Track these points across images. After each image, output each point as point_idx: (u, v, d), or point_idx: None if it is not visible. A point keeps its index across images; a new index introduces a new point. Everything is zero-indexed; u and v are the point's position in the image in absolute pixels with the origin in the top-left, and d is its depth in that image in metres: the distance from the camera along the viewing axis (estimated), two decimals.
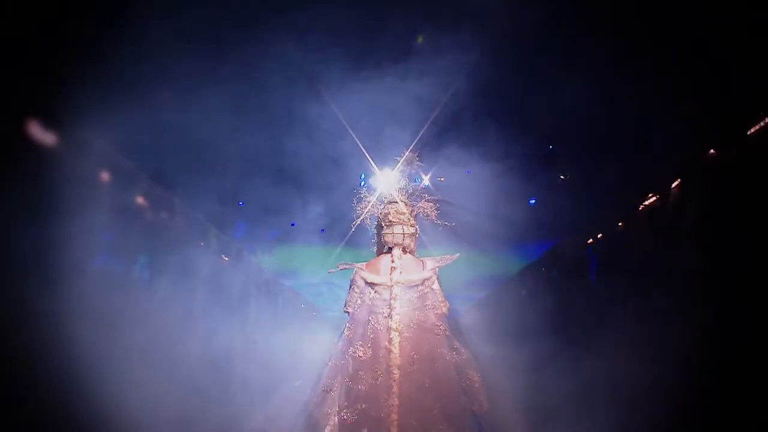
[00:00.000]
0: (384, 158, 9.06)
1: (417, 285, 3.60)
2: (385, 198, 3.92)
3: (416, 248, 3.91)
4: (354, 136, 8.28)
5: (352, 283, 3.79)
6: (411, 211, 3.81)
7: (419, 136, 8.47)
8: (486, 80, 7.51)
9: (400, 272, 3.59)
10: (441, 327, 3.53)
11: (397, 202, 3.82)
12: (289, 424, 3.87)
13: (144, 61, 4.76)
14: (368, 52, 7.96)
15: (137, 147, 4.66)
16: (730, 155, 3.54)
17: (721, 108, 3.89)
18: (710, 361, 3.60)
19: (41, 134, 3.16)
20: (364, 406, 3.21)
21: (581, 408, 4.97)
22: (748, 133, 3.33)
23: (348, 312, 3.70)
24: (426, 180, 10.26)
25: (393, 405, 3.14)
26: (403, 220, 3.73)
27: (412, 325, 3.47)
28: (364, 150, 8.60)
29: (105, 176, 3.67)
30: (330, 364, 3.53)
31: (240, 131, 8.45)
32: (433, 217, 3.88)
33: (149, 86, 4.89)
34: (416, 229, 3.82)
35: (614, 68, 5.56)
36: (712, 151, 3.67)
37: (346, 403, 3.27)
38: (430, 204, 3.91)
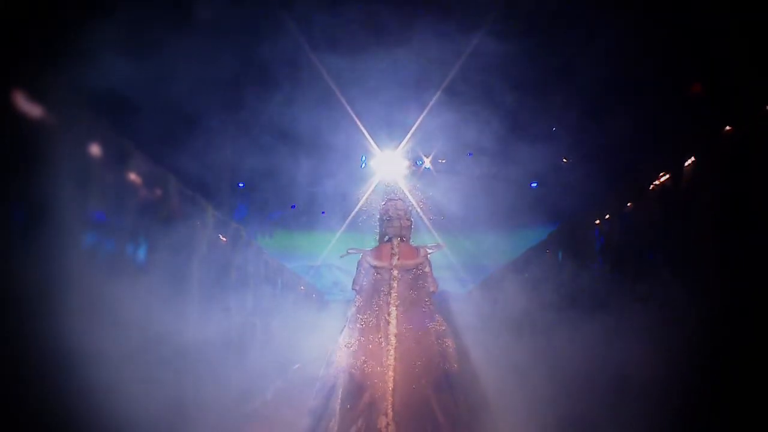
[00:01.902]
0: (384, 140, 9.01)
1: (412, 268, 4.42)
2: (387, 195, 4.70)
3: (412, 237, 4.66)
4: (355, 117, 8.18)
5: (359, 265, 4.56)
6: (407, 208, 4.61)
7: (420, 118, 8.39)
8: (489, 60, 7.38)
9: (398, 258, 4.38)
10: (429, 303, 4.41)
11: (396, 200, 4.62)
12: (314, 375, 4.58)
13: (139, 31, 4.61)
14: (370, 30, 7.85)
15: (132, 123, 4.54)
16: (748, 131, 3.39)
17: (738, 81, 3.74)
18: (721, 348, 3.47)
19: (27, 106, 3.01)
20: (372, 362, 4.13)
21: (580, 393, 4.91)
22: None
23: (355, 289, 4.51)
24: (427, 162, 10.26)
25: (391, 364, 4.05)
26: (401, 215, 4.53)
27: (406, 301, 4.31)
28: (365, 131, 8.52)
29: (95, 151, 3.53)
30: (348, 326, 4.39)
31: (239, 113, 8.35)
32: (426, 213, 4.74)
33: (144, 58, 4.75)
34: (411, 222, 4.59)
35: (625, 42, 5.40)
36: (728, 127, 3.51)
37: (363, 357, 4.18)
38: (424, 201, 4.73)
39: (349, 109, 8.16)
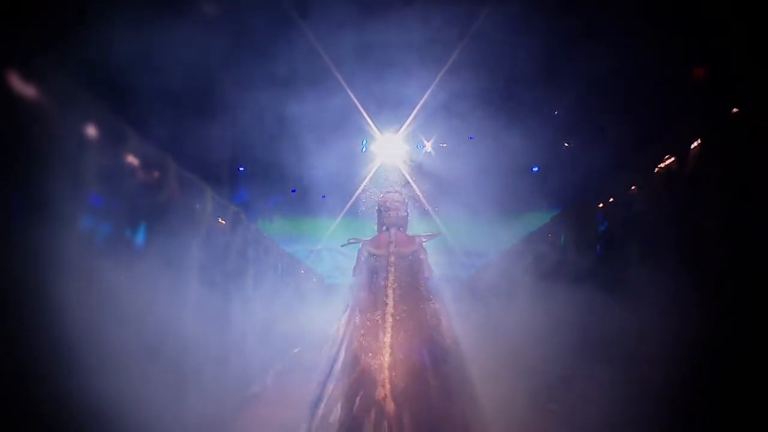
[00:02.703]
0: (385, 124, 8.93)
1: (408, 256, 4.69)
2: (385, 188, 5.00)
3: (408, 227, 4.99)
4: (356, 100, 8.10)
5: (359, 254, 4.86)
6: (403, 200, 4.90)
7: (422, 101, 8.31)
8: (492, 43, 7.28)
9: (395, 246, 4.67)
10: (423, 287, 4.66)
11: (393, 192, 4.91)
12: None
13: (136, 10, 4.53)
14: (370, 11, 7.75)
15: (131, 109, 4.46)
16: (756, 113, 3.32)
17: (745, 62, 3.66)
18: (728, 336, 3.43)
19: (20, 86, 2.94)
20: (369, 339, 4.41)
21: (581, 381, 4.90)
22: None
23: (356, 276, 4.82)
24: (428, 146, 10.18)
25: (387, 342, 4.29)
26: (398, 207, 4.84)
27: (403, 285, 4.58)
28: (365, 114, 8.44)
29: (91, 132, 3.46)
30: (349, 309, 4.69)
31: (239, 97, 8.27)
32: (422, 204, 5.04)
33: (142, 40, 4.67)
34: (407, 213, 4.91)
35: (630, 24, 5.30)
36: (735, 109, 3.45)
37: (362, 331, 4.48)
38: (419, 194, 5.01)
39: (350, 92, 8.09)
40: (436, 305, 4.63)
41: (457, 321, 4.82)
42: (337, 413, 4.24)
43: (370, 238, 4.92)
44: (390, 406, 4.05)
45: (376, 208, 4.95)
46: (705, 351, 3.55)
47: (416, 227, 5.03)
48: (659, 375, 3.91)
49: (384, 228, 4.85)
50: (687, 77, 4.65)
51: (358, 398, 4.22)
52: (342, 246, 5.07)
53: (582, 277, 5.28)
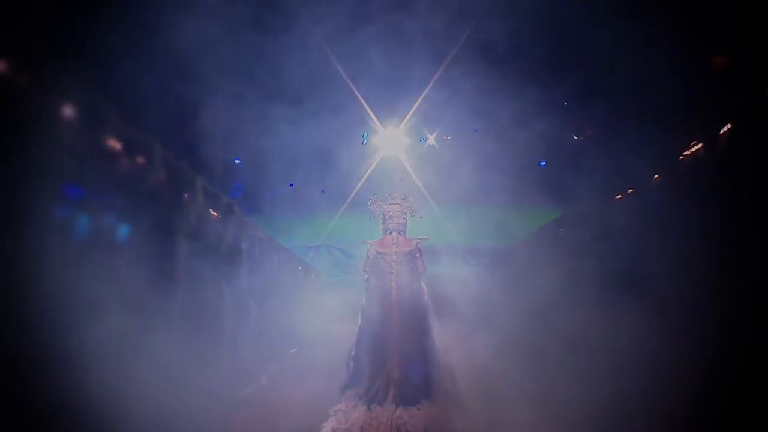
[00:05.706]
0: (387, 116, 8.73)
1: (407, 254, 5.82)
2: (388, 201, 5.99)
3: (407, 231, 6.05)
4: (357, 93, 7.92)
5: (367, 253, 5.91)
6: (403, 210, 5.94)
7: (424, 93, 8.12)
8: (498, 29, 7.09)
9: (397, 247, 5.79)
10: (418, 279, 5.81)
11: (394, 204, 5.94)
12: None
13: None
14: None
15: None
16: None
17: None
18: (754, 329, 3.28)
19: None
20: (380, 324, 5.52)
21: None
22: None
23: (365, 270, 5.89)
24: (431, 140, 9.99)
25: (393, 323, 5.48)
26: (398, 215, 5.92)
27: (403, 278, 5.72)
28: (367, 107, 8.25)
29: (70, 113, 3.21)
30: (365, 298, 5.74)
31: (238, 88, 8.09)
32: (416, 212, 6.07)
33: (137, 16, 4.44)
34: (406, 220, 5.96)
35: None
36: None
37: (375, 321, 5.55)
38: (414, 204, 6.03)
39: (350, 83, 7.91)
40: (425, 297, 5.75)
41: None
42: (363, 379, 5.33)
43: (377, 240, 5.94)
44: (395, 373, 5.25)
45: (381, 216, 6.00)
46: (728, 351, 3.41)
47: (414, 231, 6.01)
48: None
49: (388, 232, 5.93)
50: (709, 65, 4.41)
51: (374, 369, 5.33)
52: (356, 245, 6.27)
53: (598, 271, 5.10)
